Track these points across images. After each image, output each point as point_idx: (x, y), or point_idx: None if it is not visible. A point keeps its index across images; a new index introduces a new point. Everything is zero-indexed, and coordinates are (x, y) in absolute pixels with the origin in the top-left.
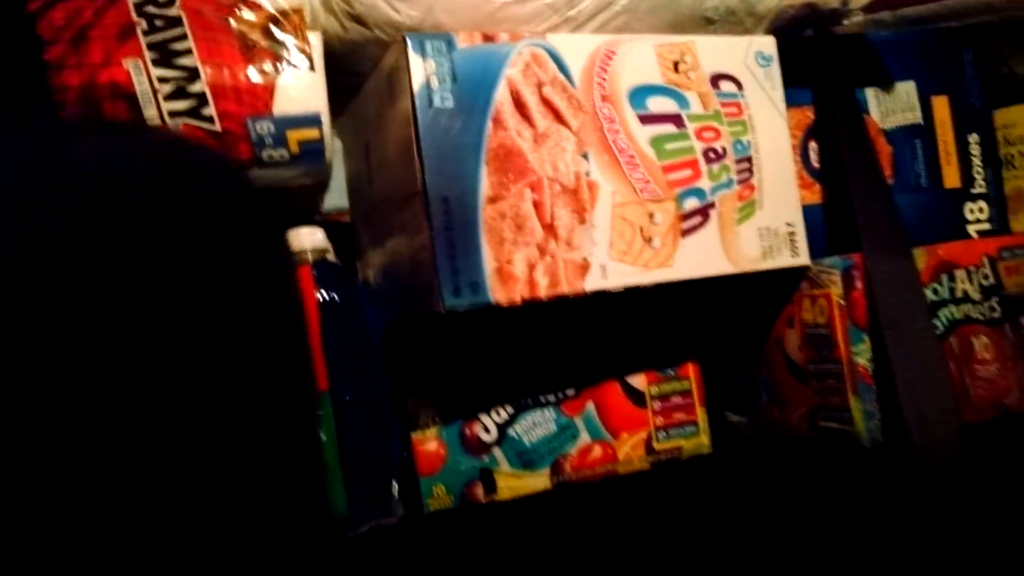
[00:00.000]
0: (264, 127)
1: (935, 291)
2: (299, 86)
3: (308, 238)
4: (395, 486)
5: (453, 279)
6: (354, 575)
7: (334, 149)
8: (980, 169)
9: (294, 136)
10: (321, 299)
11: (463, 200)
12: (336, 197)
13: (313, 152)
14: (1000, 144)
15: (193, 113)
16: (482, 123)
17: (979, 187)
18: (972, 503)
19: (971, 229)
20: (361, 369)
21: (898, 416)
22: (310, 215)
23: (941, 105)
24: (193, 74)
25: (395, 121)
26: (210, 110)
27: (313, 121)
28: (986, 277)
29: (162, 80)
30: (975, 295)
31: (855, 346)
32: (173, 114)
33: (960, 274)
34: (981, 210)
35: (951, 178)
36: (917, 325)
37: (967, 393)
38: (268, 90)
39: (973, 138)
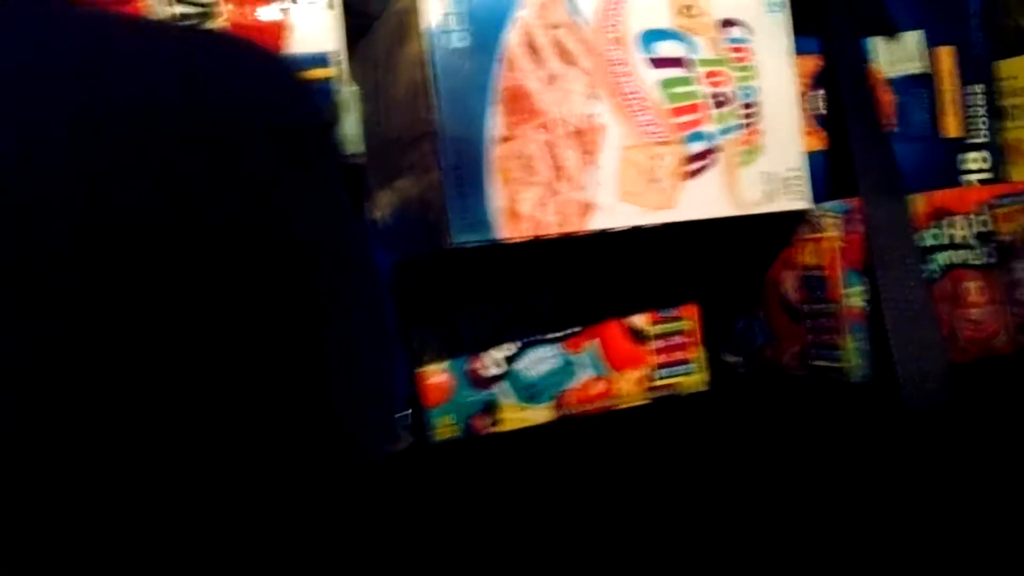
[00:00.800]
0: None
1: (933, 236)
2: (313, 25)
3: None
4: (404, 415)
5: (462, 216)
6: (366, 499)
7: (347, 90)
8: (981, 119)
9: (310, 75)
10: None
11: (473, 140)
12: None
13: (326, 91)
14: (1001, 95)
15: None
16: (495, 63)
17: (980, 137)
18: (956, 440)
19: (971, 178)
20: (368, 303)
21: (887, 355)
22: None
23: (946, 55)
24: (209, 12)
25: (406, 62)
26: None
27: (325, 60)
28: (981, 223)
29: (179, 18)
30: (971, 241)
31: (849, 288)
32: None
33: (957, 220)
34: (983, 160)
35: (953, 127)
36: (907, 267)
37: (955, 334)
38: (281, 28)
39: (975, 88)
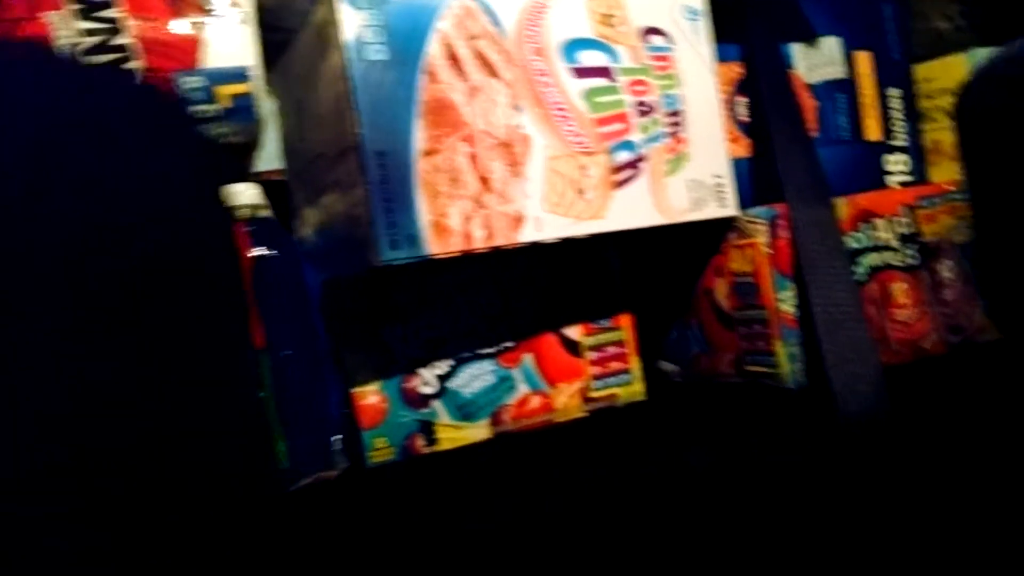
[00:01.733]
0: (193, 82)
1: (857, 239)
2: (228, 40)
3: (243, 194)
4: (336, 439)
5: (390, 232)
6: (300, 527)
7: (267, 105)
8: (900, 122)
9: (224, 91)
10: (257, 255)
11: (398, 154)
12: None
13: (244, 107)
14: (919, 97)
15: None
16: (416, 76)
17: (899, 140)
18: (890, 440)
19: (892, 180)
20: (298, 324)
21: (819, 359)
22: (244, 173)
23: (863, 60)
24: (118, 27)
25: (327, 75)
26: (136, 65)
27: (243, 75)
28: (904, 225)
29: (85, 33)
30: (894, 243)
31: (780, 293)
32: None
33: (880, 223)
34: (902, 162)
35: (872, 131)
36: (836, 270)
37: (885, 336)
38: (196, 43)
39: (894, 92)
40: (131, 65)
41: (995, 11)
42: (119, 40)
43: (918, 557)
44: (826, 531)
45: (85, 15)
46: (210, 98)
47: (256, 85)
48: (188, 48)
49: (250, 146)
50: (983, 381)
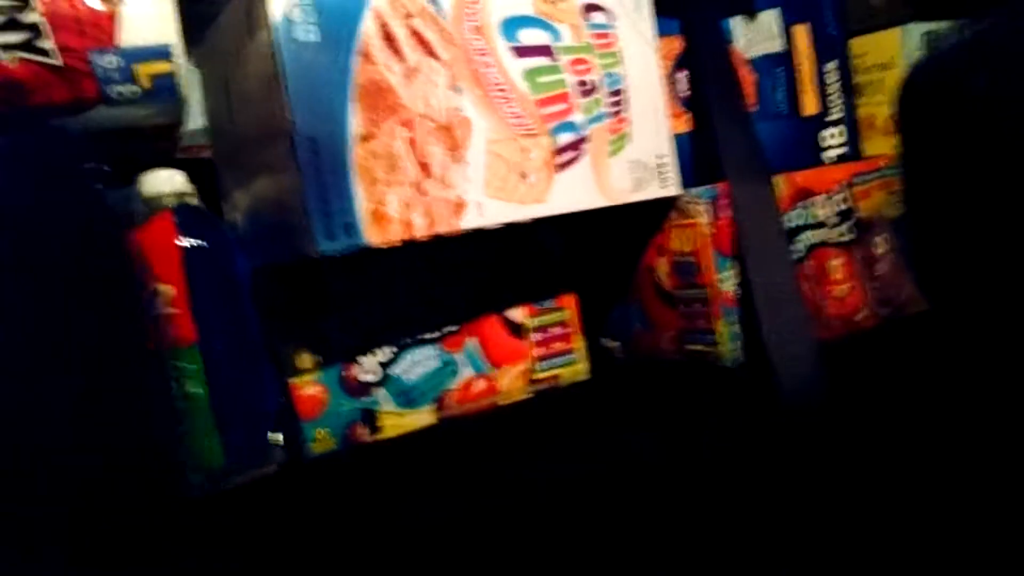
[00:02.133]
0: (110, 61)
1: (798, 216)
2: (147, 15)
3: (167, 182)
4: (274, 434)
5: (326, 222)
6: (239, 523)
7: (190, 84)
8: (836, 96)
9: (144, 70)
10: (184, 246)
11: (332, 139)
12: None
13: (166, 87)
14: (854, 72)
15: (28, 46)
16: (349, 57)
17: (835, 114)
18: (827, 416)
19: (828, 155)
20: (231, 317)
21: (758, 337)
22: (168, 155)
23: (801, 33)
24: (24, 2)
25: (255, 55)
26: (48, 42)
27: (164, 53)
28: (843, 201)
29: None
30: (832, 220)
31: (720, 272)
32: (6, 47)
33: (818, 200)
34: (839, 135)
35: (809, 105)
36: (774, 249)
37: (821, 311)
38: (112, 20)
39: (830, 66)
40: (42, 44)
41: None
42: (28, 17)
43: (859, 532)
44: (769, 508)
45: None
46: (129, 78)
47: (178, 64)
48: (103, 24)
49: (173, 128)
50: (913, 353)
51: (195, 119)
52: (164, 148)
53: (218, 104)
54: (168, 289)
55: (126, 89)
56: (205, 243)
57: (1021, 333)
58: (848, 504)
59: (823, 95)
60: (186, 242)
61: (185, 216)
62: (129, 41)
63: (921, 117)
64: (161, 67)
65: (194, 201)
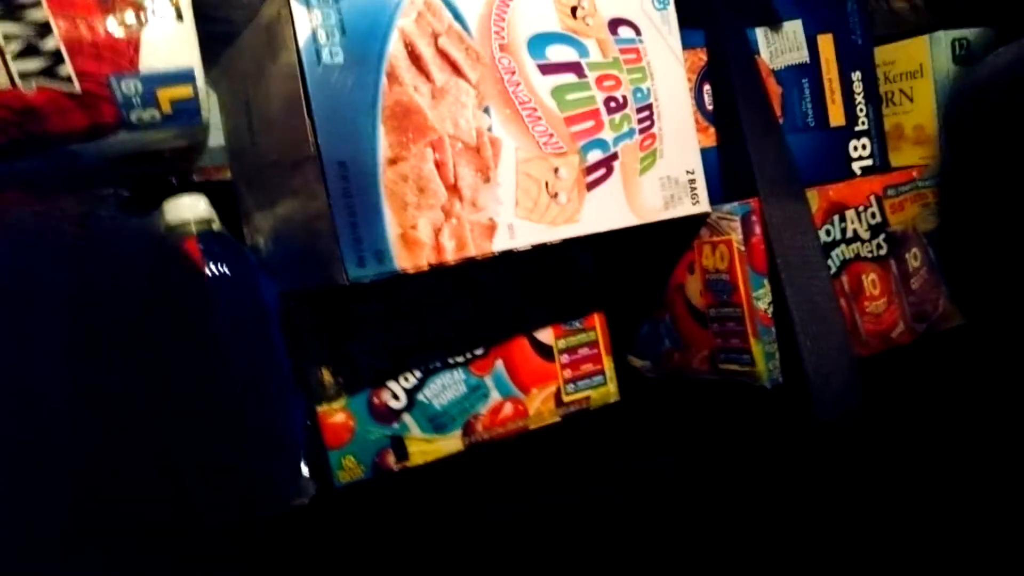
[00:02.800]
0: (130, 86)
1: (827, 232)
2: (167, 38)
3: (189, 208)
4: (304, 465)
5: (356, 248)
6: (269, 556)
7: (210, 106)
8: (863, 106)
9: (165, 95)
10: (209, 273)
11: (361, 163)
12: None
13: (187, 111)
14: (881, 81)
15: (48, 73)
16: (376, 79)
17: (862, 124)
18: (865, 437)
19: (855, 166)
20: (257, 343)
21: (795, 356)
22: (186, 176)
23: (826, 43)
24: (44, 29)
25: (279, 77)
26: (67, 69)
27: (186, 77)
28: (873, 216)
29: (8, 37)
30: (864, 234)
31: (755, 291)
32: (24, 75)
33: (850, 214)
34: (864, 147)
35: (836, 116)
36: (811, 266)
37: (857, 328)
38: (132, 44)
39: (856, 75)
40: (61, 70)
41: None
42: (47, 44)
43: (897, 553)
44: (806, 530)
45: (7, 17)
46: (150, 103)
47: (200, 86)
48: (123, 49)
49: (194, 150)
50: (951, 369)
51: (215, 136)
52: (182, 170)
53: (238, 126)
54: None
55: (147, 114)
56: (229, 270)
57: None
58: (886, 525)
59: (849, 106)
60: (212, 269)
61: (209, 243)
62: (150, 65)
63: (971, 129)
64: (183, 92)
65: (217, 227)
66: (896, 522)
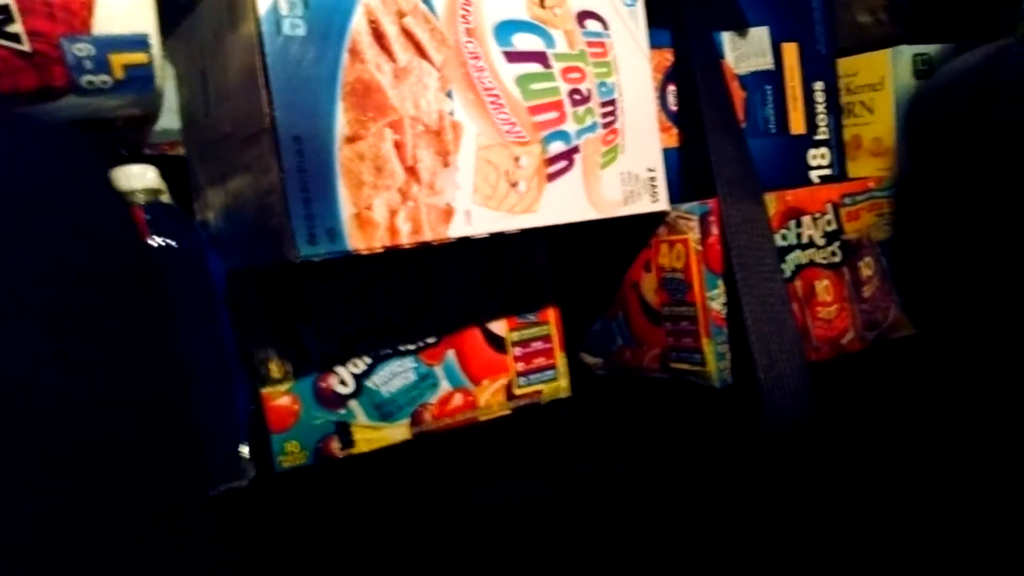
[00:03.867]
0: (83, 48)
1: (783, 236)
2: (123, 2)
3: (138, 177)
4: (244, 447)
5: (307, 225)
6: (205, 540)
7: (165, 75)
8: (823, 116)
9: (118, 60)
10: (155, 245)
11: (317, 139)
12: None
13: (141, 78)
14: (842, 92)
15: None
16: (337, 54)
17: (822, 133)
18: (813, 440)
19: (813, 175)
20: (203, 321)
21: (746, 357)
22: (137, 148)
23: (790, 51)
24: None
25: (237, 48)
26: (17, 27)
27: (140, 43)
28: (829, 223)
29: None
30: (819, 240)
31: (710, 291)
32: None
33: (806, 220)
34: (823, 156)
35: (797, 124)
36: (766, 268)
37: (808, 334)
38: (86, 5)
39: (818, 85)
40: (10, 28)
41: (919, 9)
42: None
43: (844, 553)
44: (752, 530)
45: None
46: (102, 67)
47: (155, 53)
48: (76, 10)
49: (146, 119)
50: (899, 378)
51: (169, 116)
52: (134, 141)
53: (193, 98)
54: None
55: (98, 79)
56: (177, 242)
57: (1007, 359)
58: (832, 526)
59: (811, 114)
60: (157, 240)
61: (157, 213)
62: (104, 28)
63: (928, 140)
64: (137, 57)
65: (166, 198)
66: (840, 524)
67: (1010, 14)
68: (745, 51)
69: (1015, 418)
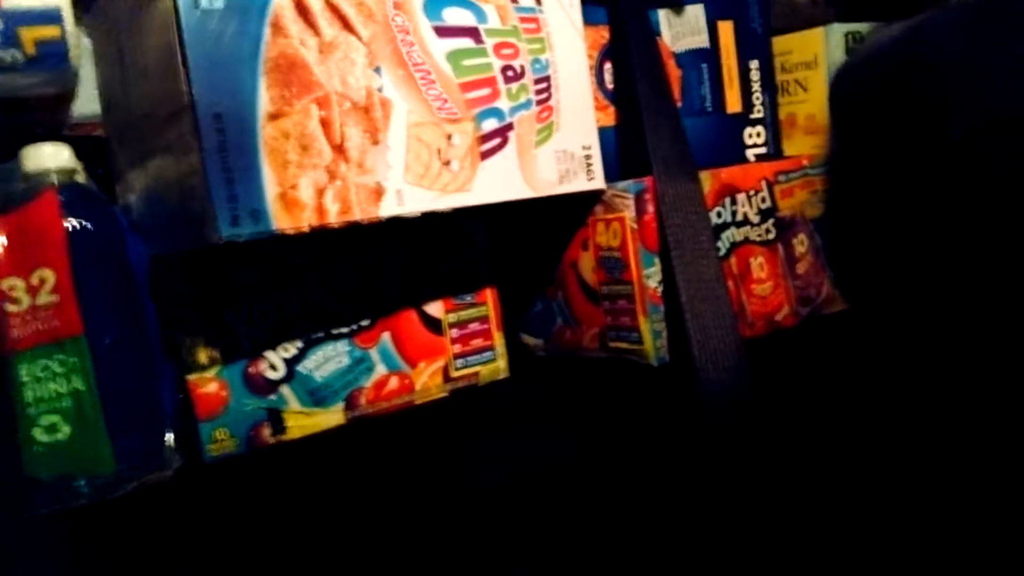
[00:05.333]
0: None
1: (718, 214)
2: None
3: (51, 157)
4: (169, 435)
5: (230, 206)
6: (131, 534)
7: (81, 51)
8: (759, 94)
9: (29, 34)
10: (70, 228)
11: (239, 117)
12: (92, 103)
13: (54, 55)
14: (777, 70)
15: None
16: (259, 28)
17: (757, 112)
18: (748, 414)
19: (749, 153)
20: (122, 307)
21: (682, 335)
22: (56, 129)
23: (726, 29)
24: None
25: (154, 24)
26: None
27: (52, 17)
28: (763, 200)
29: None
30: (754, 218)
31: (646, 269)
32: None
33: (741, 198)
34: (759, 135)
35: (733, 102)
36: (701, 245)
37: (743, 310)
38: None
39: (753, 64)
40: None
41: None
42: None
43: (777, 527)
44: (689, 506)
45: None
46: (11, 42)
47: (68, 28)
48: None
49: (62, 98)
50: (832, 352)
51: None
52: (52, 122)
53: (111, 77)
54: (49, 274)
55: (7, 54)
56: (93, 225)
57: (936, 336)
58: (766, 500)
59: (746, 93)
60: (72, 223)
61: (72, 195)
62: (13, 2)
63: (852, 116)
64: (48, 32)
65: (82, 179)
66: (773, 496)
67: None
68: (681, 29)
69: (940, 391)
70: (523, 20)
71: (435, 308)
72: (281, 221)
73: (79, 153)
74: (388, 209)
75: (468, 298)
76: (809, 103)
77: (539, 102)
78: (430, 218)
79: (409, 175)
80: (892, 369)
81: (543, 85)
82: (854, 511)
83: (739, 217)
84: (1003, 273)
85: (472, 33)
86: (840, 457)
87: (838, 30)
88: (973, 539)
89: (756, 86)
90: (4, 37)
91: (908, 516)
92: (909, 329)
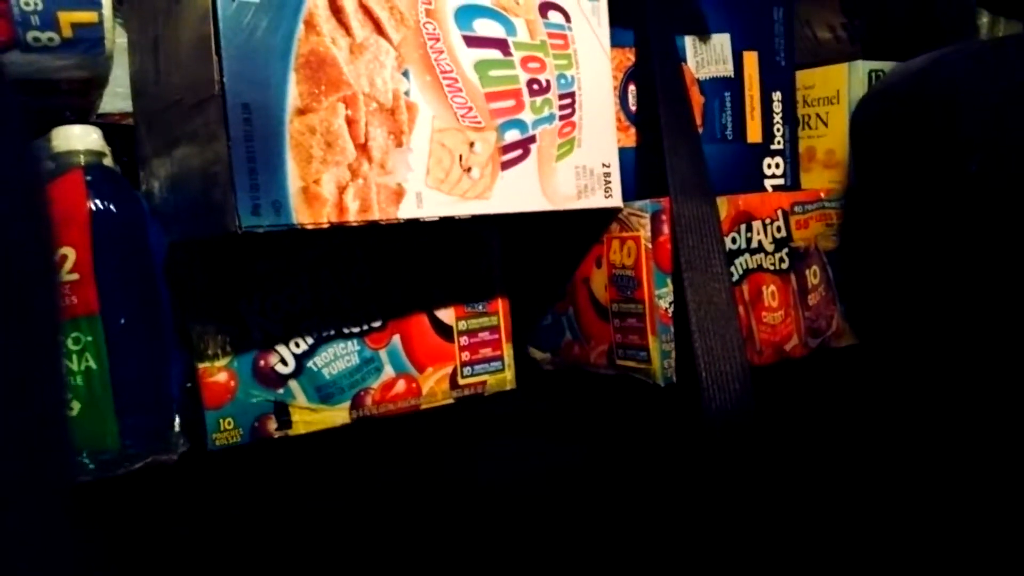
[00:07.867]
0: (30, 3)
1: (733, 240)
2: None
3: (80, 138)
4: (176, 419)
5: (252, 196)
6: (130, 515)
7: (115, 39)
8: (780, 126)
9: (67, 18)
10: (94, 208)
11: (267, 109)
12: (121, 99)
13: (90, 39)
14: (799, 104)
15: None
16: (292, 24)
17: (777, 143)
18: (752, 441)
19: (767, 183)
20: (139, 291)
21: (690, 356)
22: (85, 116)
23: (751, 60)
24: None
25: (191, 14)
26: None
27: (91, 2)
28: (779, 229)
29: None
30: (768, 246)
31: (658, 289)
32: None
33: (756, 225)
34: (778, 165)
35: (754, 132)
36: (713, 269)
37: (753, 337)
38: None
39: (776, 95)
40: None
41: (876, 28)
42: None
43: (777, 552)
44: (688, 528)
45: None
46: (49, 24)
47: (106, 14)
48: None
49: (93, 83)
50: (840, 386)
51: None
52: (81, 106)
53: (144, 65)
54: (70, 252)
55: (45, 35)
56: (116, 208)
57: (945, 375)
58: (767, 526)
59: (768, 123)
60: (96, 204)
61: (97, 176)
62: None
63: (870, 147)
64: (86, 16)
65: (108, 163)
66: (776, 524)
67: (958, 34)
68: (706, 57)
69: (949, 429)
70: (552, 36)
71: (446, 314)
72: (302, 215)
73: (106, 140)
74: (407, 211)
75: (480, 306)
76: (829, 137)
77: (562, 117)
78: (447, 223)
79: (430, 179)
80: (901, 405)
81: (567, 101)
82: (855, 540)
83: (754, 244)
84: (1021, 311)
85: (501, 45)
86: (842, 485)
87: (861, 67)
88: (977, 571)
89: (778, 117)
90: (43, 18)
91: (912, 548)
92: (921, 367)
